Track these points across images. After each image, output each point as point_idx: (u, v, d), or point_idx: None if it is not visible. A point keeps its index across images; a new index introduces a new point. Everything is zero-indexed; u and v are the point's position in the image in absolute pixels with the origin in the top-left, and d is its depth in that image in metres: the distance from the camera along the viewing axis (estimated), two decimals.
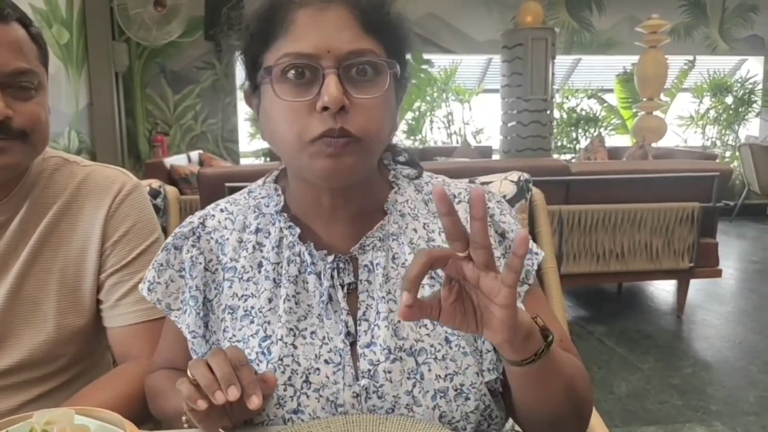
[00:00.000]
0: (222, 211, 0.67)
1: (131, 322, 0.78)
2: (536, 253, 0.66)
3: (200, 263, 0.64)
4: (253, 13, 0.59)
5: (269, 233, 0.64)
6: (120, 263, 0.79)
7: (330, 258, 0.61)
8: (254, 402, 0.49)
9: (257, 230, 0.64)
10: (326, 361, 0.58)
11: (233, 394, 0.48)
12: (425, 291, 0.61)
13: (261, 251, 0.63)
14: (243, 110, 5.23)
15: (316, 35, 0.55)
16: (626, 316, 3.03)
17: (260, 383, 0.52)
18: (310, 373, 0.58)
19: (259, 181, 0.69)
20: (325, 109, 0.54)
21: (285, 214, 0.64)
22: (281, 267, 0.62)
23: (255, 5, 0.59)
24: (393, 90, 0.59)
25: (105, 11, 4.32)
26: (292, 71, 0.55)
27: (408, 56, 0.62)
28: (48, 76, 0.76)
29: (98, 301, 0.80)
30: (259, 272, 0.62)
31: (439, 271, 0.62)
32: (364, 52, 0.55)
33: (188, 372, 0.51)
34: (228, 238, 0.65)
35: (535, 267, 0.66)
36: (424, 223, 0.65)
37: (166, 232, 1.01)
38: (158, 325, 0.78)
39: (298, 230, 0.63)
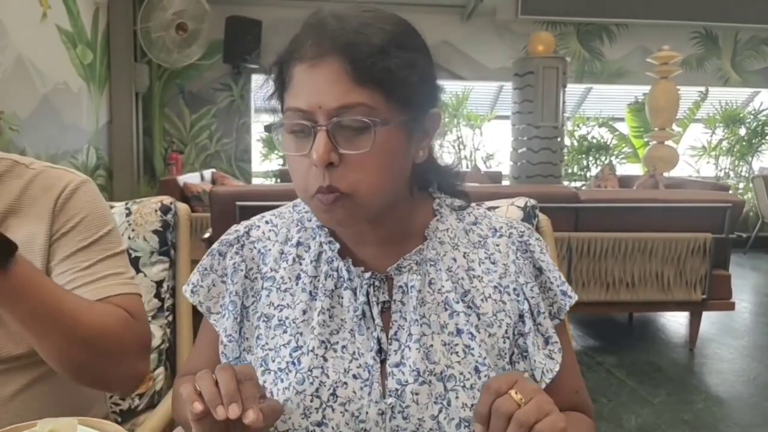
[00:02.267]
0: (267, 222, 0.69)
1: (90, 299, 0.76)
2: (570, 297, 0.67)
3: (241, 270, 0.66)
4: (272, 64, 0.61)
5: (309, 247, 0.66)
6: (70, 251, 0.77)
7: (367, 275, 0.63)
8: (249, 416, 0.49)
9: (298, 243, 0.66)
10: (355, 376, 0.59)
11: (234, 411, 0.49)
12: (460, 318, 0.61)
13: (300, 264, 0.65)
14: (256, 131, 5.32)
15: (309, 91, 0.56)
16: (637, 347, 2.97)
17: (264, 409, 0.52)
18: (337, 387, 0.59)
19: None
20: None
21: (326, 230, 0.66)
22: (318, 280, 0.64)
23: (281, 49, 0.61)
24: (399, 135, 0.58)
25: (128, 34, 4.46)
26: (293, 127, 0.58)
27: (430, 90, 0.62)
28: None
29: None
30: (297, 284, 0.64)
31: (477, 301, 0.63)
32: (353, 106, 0.55)
33: (195, 382, 0.52)
34: (270, 249, 0.67)
35: (568, 308, 0.67)
36: (464, 253, 0.66)
37: (176, 248, 1.02)
38: (120, 299, 0.75)
39: (337, 245, 0.64)
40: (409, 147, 0.61)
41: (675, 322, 3.38)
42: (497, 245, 0.67)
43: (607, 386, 2.44)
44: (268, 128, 0.61)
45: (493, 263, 0.66)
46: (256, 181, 5.32)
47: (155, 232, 0.99)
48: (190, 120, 5.12)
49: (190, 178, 3.92)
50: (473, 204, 0.71)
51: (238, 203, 2.26)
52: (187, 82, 5.02)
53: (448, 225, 0.67)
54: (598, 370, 2.62)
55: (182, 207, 1.04)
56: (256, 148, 5.38)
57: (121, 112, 4.51)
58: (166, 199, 1.02)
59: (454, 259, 0.65)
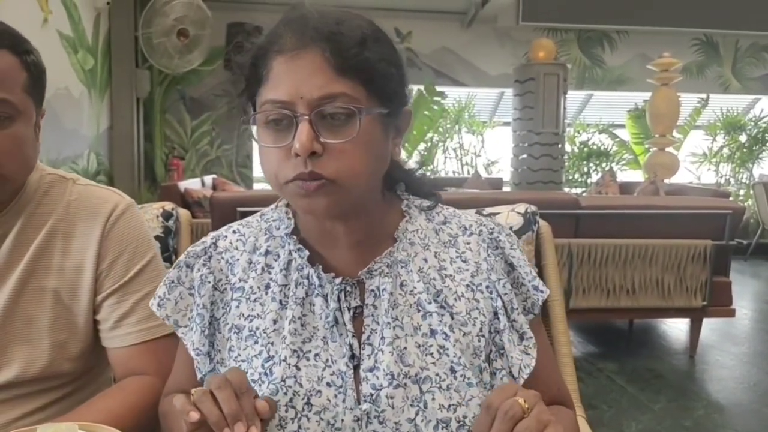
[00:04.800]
0: (234, 232, 0.69)
1: (132, 343, 0.78)
2: (542, 291, 0.67)
3: (209, 282, 0.65)
4: (244, 58, 0.61)
5: (278, 255, 0.65)
6: (117, 284, 0.78)
7: (337, 281, 0.62)
8: None
9: (267, 252, 0.66)
10: (328, 384, 0.59)
11: (239, 430, 0.49)
12: (433, 318, 0.61)
13: (269, 273, 0.65)
14: None
15: (290, 82, 0.57)
16: (637, 354, 2.97)
17: (262, 405, 0.52)
18: (311, 396, 0.58)
19: (272, 205, 0.71)
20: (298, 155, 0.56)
21: (294, 237, 0.65)
22: (288, 289, 0.63)
23: (248, 50, 0.61)
24: (378, 127, 0.60)
25: (129, 39, 4.47)
26: (271, 118, 0.58)
27: (404, 87, 0.63)
28: (43, 102, 0.76)
29: (95, 322, 0.80)
30: (266, 293, 0.64)
31: (450, 301, 0.63)
32: (335, 96, 0.56)
33: (192, 399, 0.51)
34: (238, 259, 0.66)
35: (541, 302, 0.67)
36: (435, 252, 0.66)
37: (177, 253, 1.02)
38: (159, 345, 0.79)
39: (306, 253, 0.64)
40: (386, 140, 0.62)
41: (675, 328, 3.37)
42: (468, 243, 0.67)
43: (608, 393, 2.43)
44: (246, 120, 0.61)
45: (465, 261, 0.66)
46: (257, 186, 5.32)
47: (157, 238, 0.99)
48: (191, 126, 5.12)
49: (191, 184, 3.93)
50: (441, 205, 0.71)
51: (238, 209, 2.26)
52: (187, 88, 5.04)
53: (418, 226, 0.67)
54: (599, 377, 2.62)
55: (183, 213, 1.04)
56: (257, 154, 5.37)
57: (122, 117, 4.52)
58: (168, 205, 1.02)
59: (425, 260, 0.65)
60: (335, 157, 0.57)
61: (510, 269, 0.67)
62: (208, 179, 4.39)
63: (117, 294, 0.79)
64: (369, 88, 0.58)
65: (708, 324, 3.04)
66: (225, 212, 2.32)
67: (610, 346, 3.14)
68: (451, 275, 0.64)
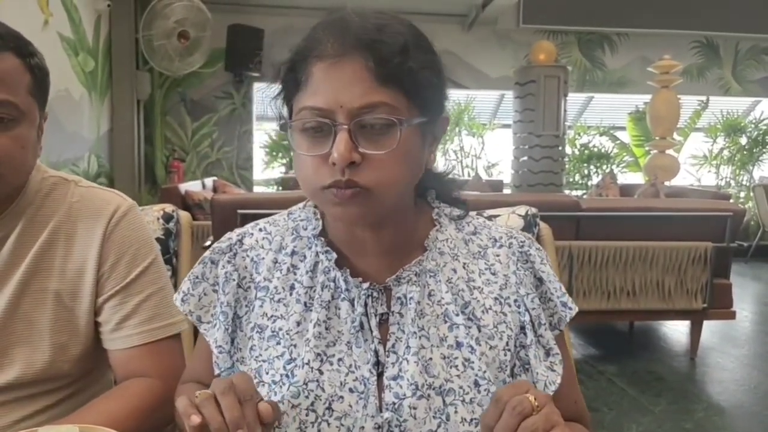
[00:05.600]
0: (261, 230, 0.68)
1: (134, 345, 0.78)
2: (570, 308, 0.67)
3: (234, 280, 0.65)
4: (283, 62, 0.60)
5: (305, 257, 0.65)
6: (118, 285, 0.78)
7: (365, 286, 0.62)
8: None
9: (293, 252, 0.65)
10: (351, 390, 0.58)
11: None
12: (460, 330, 0.61)
13: (294, 274, 0.64)
14: (258, 139, 5.33)
15: (330, 89, 0.55)
16: (638, 356, 2.96)
17: (264, 408, 0.51)
18: (333, 401, 0.58)
19: (301, 204, 0.70)
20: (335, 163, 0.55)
21: (322, 239, 0.65)
22: (314, 291, 0.62)
23: (284, 55, 0.61)
24: (417, 136, 0.59)
25: (130, 42, 4.48)
26: (308, 125, 0.57)
27: (443, 95, 0.62)
28: (46, 105, 0.77)
29: (96, 323, 0.80)
30: (291, 294, 0.63)
31: (477, 313, 0.62)
32: (376, 105, 0.55)
33: (195, 401, 0.51)
34: (264, 258, 0.66)
35: (568, 319, 0.66)
36: (464, 263, 0.65)
37: (178, 256, 1.03)
38: (161, 346, 0.79)
39: (334, 255, 0.63)
40: (423, 149, 0.61)
41: (676, 330, 3.37)
42: (497, 256, 0.66)
43: (608, 395, 2.43)
44: (283, 126, 0.60)
45: (494, 274, 0.65)
46: (257, 189, 5.32)
47: (157, 240, 0.99)
48: (191, 128, 5.13)
49: (191, 186, 3.93)
50: (471, 213, 0.71)
51: (239, 211, 2.26)
52: (188, 90, 5.04)
53: (448, 235, 0.66)
54: (599, 379, 2.61)
55: (184, 215, 1.04)
56: (258, 156, 5.39)
57: (123, 119, 4.53)
58: (168, 207, 1.02)
59: (454, 270, 0.64)
60: (374, 167, 0.56)
61: (539, 284, 0.66)
62: (209, 181, 4.39)
63: (119, 296, 0.79)
64: (410, 97, 0.57)
65: (708, 326, 3.04)
66: (226, 214, 2.32)
67: (610, 349, 3.14)
68: (479, 287, 0.63)
